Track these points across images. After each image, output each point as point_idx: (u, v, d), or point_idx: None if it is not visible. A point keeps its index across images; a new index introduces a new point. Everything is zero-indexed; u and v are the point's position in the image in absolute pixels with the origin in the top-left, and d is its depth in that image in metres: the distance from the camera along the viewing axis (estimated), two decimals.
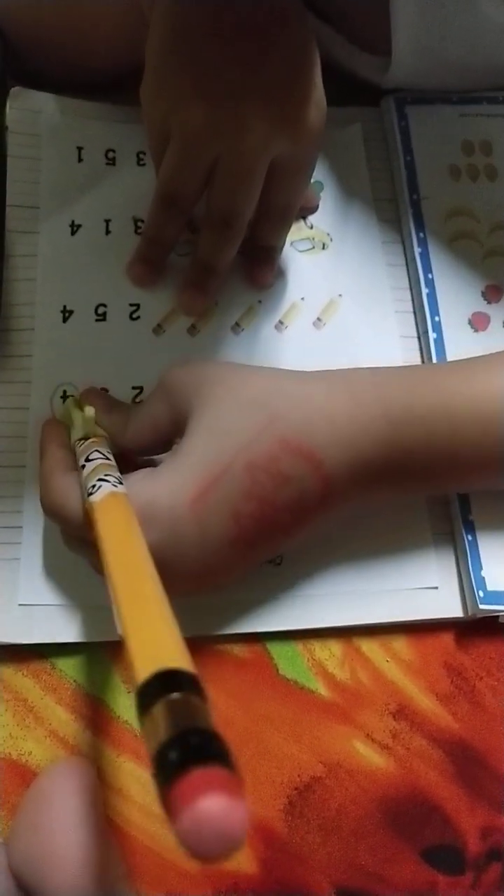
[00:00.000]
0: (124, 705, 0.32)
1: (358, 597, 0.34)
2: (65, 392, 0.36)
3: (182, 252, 0.39)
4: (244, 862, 0.30)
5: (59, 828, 0.27)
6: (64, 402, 0.36)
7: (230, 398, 0.30)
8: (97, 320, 0.38)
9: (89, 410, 0.33)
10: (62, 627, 0.32)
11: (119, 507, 0.26)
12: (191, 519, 0.28)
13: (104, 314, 0.38)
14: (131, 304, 0.38)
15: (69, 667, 0.33)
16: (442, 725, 0.33)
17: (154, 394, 0.32)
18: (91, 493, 0.27)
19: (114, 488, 0.27)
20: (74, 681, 0.33)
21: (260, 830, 0.31)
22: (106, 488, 0.27)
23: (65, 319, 0.38)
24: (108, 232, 0.40)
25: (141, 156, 0.42)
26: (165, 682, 0.17)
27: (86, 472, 0.28)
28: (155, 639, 0.19)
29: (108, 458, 0.30)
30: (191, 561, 0.29)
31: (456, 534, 0.35)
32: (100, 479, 0.27)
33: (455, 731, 0.33)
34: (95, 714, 0.32)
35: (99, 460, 0.29)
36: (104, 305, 0.38)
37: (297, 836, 0.31)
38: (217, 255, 0.36)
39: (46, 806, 0.28)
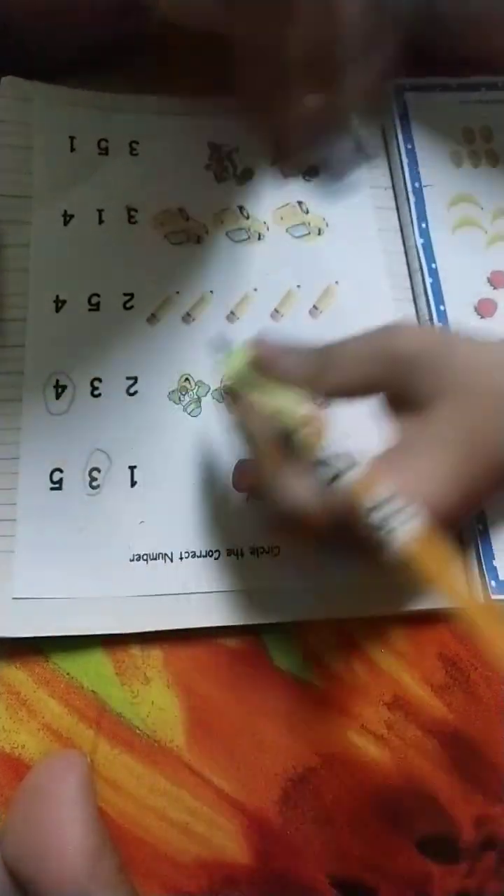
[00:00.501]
0: (117, 698, 0.32)
1: (353, 588, 0.34)
2: (57, 381, 0.36)
3: (176, 241, 0.39)
4: (239, 853, 0.30)
5: (53, 821, 0.27)
6: (225, 352, 0.32)
7: (483, 394, 0.29)
8: (90, 310, 0.37)
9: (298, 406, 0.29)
10: (56, 621, 0.32)
11: (436, 548, 0.25)
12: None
13: (97, 304, 0.38)
14: (125, 294, 0.38)
15: (62, 660, 0.33)
16: (437, 716, 0.33)
17: (373, 354, 0.29)
18: (384, 528, 0.26)
19: (415, 525, 0.26)
20: (68, 674, 0.32)
21: (255, 822, 0.31)
22: (406, 530, 0.25)
23: (57, 309, 0.37)
24: (101, 222, 0.39)
25: (134, 145, 0.42)
26: None
27: (342, 483, 0.27)
28: None
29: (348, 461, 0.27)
30: None
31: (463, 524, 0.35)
32: (391, 513, 0.26)
33: (450, 722, 0.33)
34: (89, 707, 0.32)
35: (351, 465, 0.27)
36: (97, 295, 0.38)
37: (291, 827, 0.31)
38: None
39: (40, 799, 0.28)
